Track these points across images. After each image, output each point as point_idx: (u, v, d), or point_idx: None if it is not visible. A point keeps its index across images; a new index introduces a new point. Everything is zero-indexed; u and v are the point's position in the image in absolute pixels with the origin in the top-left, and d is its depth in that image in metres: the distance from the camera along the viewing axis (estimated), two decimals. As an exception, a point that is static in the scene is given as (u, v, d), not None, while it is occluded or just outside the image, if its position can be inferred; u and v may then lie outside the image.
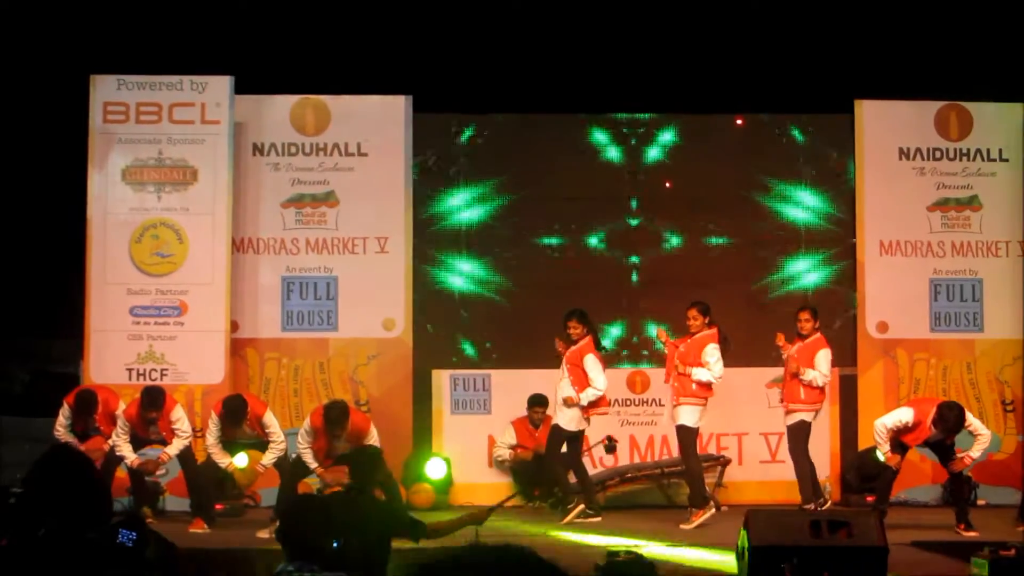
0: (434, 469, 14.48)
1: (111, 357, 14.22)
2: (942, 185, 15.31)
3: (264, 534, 11.42)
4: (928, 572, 10.22)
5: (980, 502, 13.26)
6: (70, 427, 12.70)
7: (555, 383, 13.27)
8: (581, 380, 12.89)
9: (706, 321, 12.91)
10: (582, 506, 12.93)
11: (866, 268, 15.17)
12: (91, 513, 5.90)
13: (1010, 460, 14.62)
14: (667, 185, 15.90)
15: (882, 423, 12.62)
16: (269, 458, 12.42)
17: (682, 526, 12.51)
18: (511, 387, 14.91)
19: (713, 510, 12.75)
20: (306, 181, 15.07)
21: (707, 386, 12.78)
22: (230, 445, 12.66)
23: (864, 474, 13.82)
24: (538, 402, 14.27)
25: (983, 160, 15.34)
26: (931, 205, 15.25)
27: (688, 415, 12.77)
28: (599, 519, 12.85)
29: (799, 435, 13.01)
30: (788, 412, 13.10)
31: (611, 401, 14.06)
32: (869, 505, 13.26)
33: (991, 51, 14.97)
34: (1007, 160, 15.31)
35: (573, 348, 13.00)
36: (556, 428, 13.12)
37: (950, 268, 15.27)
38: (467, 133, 15.88)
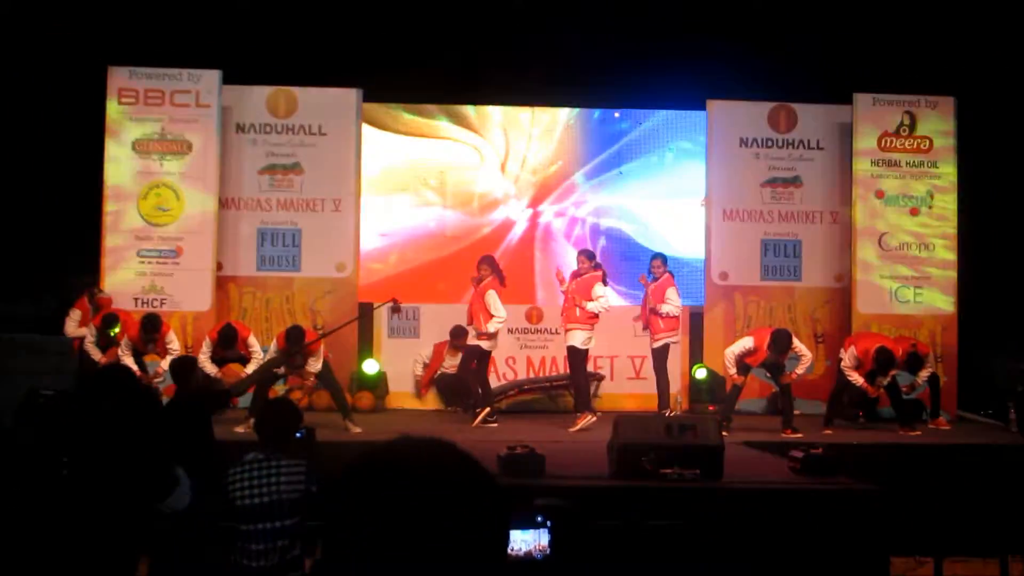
0: (369, 367, 15.29)
1: (122, 288, 14.75)
2: (772, 167, 16.09)
3: (241, 429, 11.95)
4: (756, 465, 10.41)
5: (796, 412, 13.50)
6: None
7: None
8: (486, 312, 13.45)
9: (591, 264, 13.55)
10: (487, 410, 13.40)
11: (712, 231, 15.99)
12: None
13: (819, 380, 15.29)
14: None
15: (730, 351, 13.60)
16: (252, 369, 13.03)
17: (569, 429, 13.05)
18: (436, 317, 15.67)
19: (593, 416, 13.19)
20: (278, 154, 15.64)
21: (594, 315, 13.33)
22: (219, 360, 13.21)
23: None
24: (456, 335, 14.92)
25: (805, 148, 16.13)
26: (763, 183, 16.08)
27: (577, 338, 13.40)
28: (496, 424, 13.27)
29: (663, 355, 13.72)
30: (654, 339, 13.73)
31: (512, 329, 15.27)
32: (712, 413, 14.08)
33: (814, 62, 15.70)
34: (823, 149, 16.17)
35: (479, 286, 13.60)
36: (471, 348, 13.75)
37: (777, 231, 16.05)
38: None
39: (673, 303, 13.76)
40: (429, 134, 16.74)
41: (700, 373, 15.56)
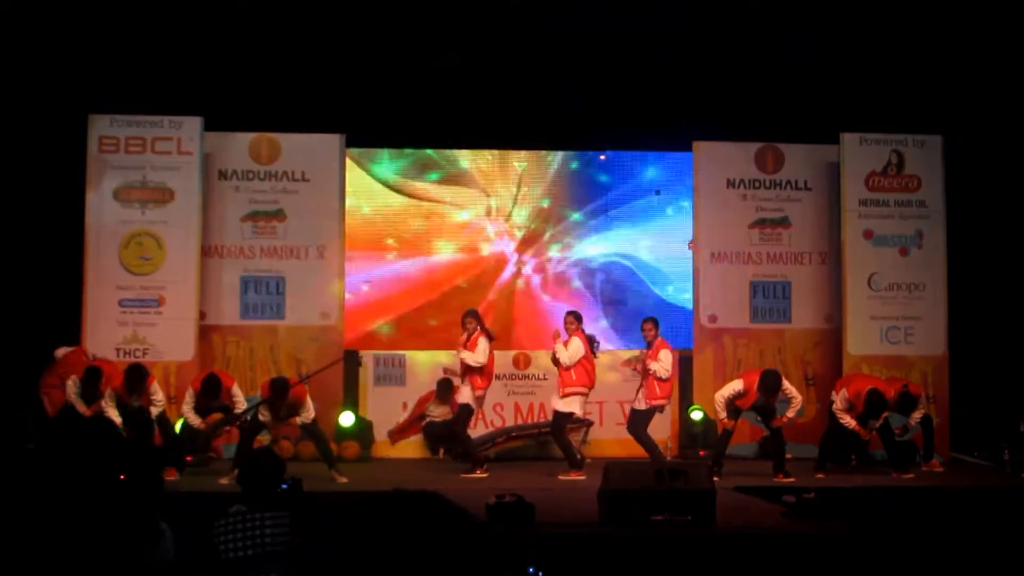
0: (345, 419, 15.10)
1: (104, 339, 14.68)
2: (760, 208, 16.07)
3: (225, 480, 12.10)
4: (748, 511, 10.36)
5: (788, 456, 13.52)
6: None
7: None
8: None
9: (578, 326, 13.55)
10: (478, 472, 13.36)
11: (700, 273, 15.91)
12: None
13: (811, 423, 15.18)
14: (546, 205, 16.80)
15: (720, 395, 13.52)
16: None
17: (559, 476, 13.07)
18: (422, 365, 15.65)
19: (584, 476, 12.87)
20: (261, 200, 15.63)
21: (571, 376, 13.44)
22: (202, 410, 13.22)
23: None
24: (444, 389, 15.10)
25: (792, 189, 16.12)
26: (751, 224, 16.05)
27: (565, 403, 13.51)
28: (487, 475, 13.18)
29: (646, 417, 13.48)
30: (648, 402, 13.37)
31: (499, 375, 14.94)
32: (702, 459, 13.99)
33: (801, 103, 15.96)
34: (811, 189, 16.14)
35: (469, 340, 13.48)
36: (464, 407, 13.64)
37: (766, 273, 15.98)
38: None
39: (664, 364, 13.45)
40: (414, 179, 16.82)
41: (696, 415, 15.47)
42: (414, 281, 16.71)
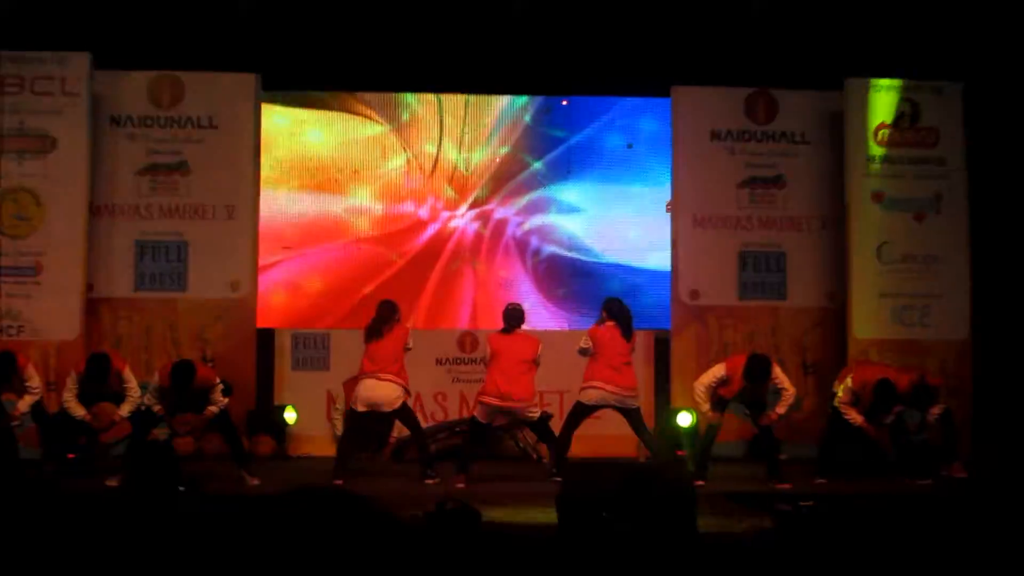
0: (292, 416, 15.24)
1: None
2: (750, 165, 16.00)
3: (113, 482, 11.84)
4: (736, 520, 10.12)
5: (782, 457, 13.55)
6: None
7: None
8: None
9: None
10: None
11: (680, 240, 15.84)
12: None
13: (810, 419, 15.18)
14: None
15: (700, 383, 13.31)
16: (127, 409, 12.90)
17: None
18: (350, 345, 14.91)
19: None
20: (160, 151, 15.51)
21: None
22: (87, 397, 12.98)
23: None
24: None
25: (788, 142, 16.09)
26: (740, 183, 15.98)
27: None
28: (436, 480, 12.89)
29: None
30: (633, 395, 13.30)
31: (441, 359, 15.37)
32: (681, 459, 14.10)
33: (797, 41, 15.78)
34: (809, 143, 16.11)
35: (393, 330, 13.26)
36: (407, 409, 13.40)
37: (757, 241, 15.96)
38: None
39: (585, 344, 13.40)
40: (342, 128, 16.80)
41: (684, 420, 15.01)
42: (341, 246, 16.67)
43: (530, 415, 13.31)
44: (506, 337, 13.26)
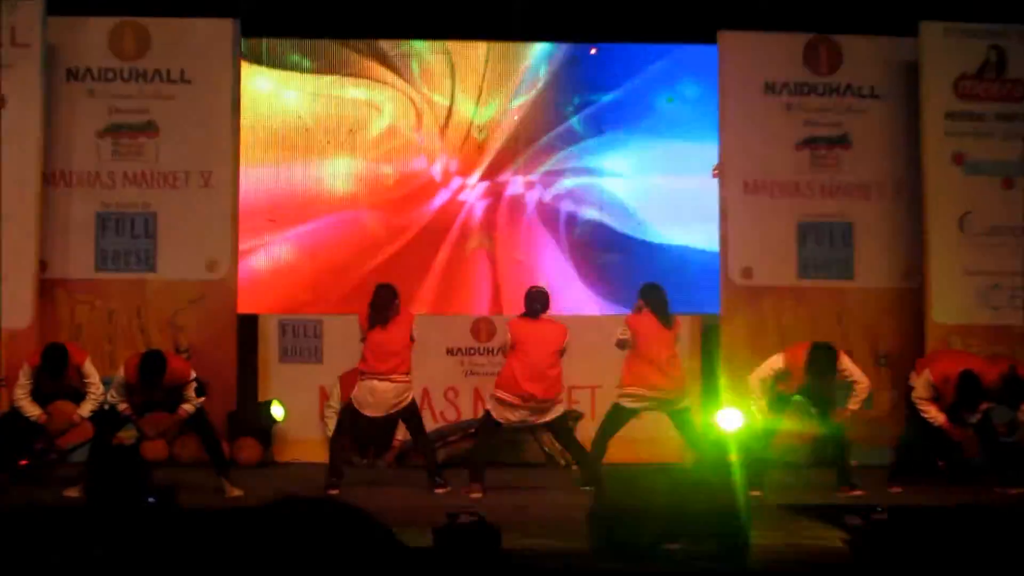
0: (276, 412, 15.19)
1: None
2: (810, 123, 15.98)
3: (73, 492, 11.86)
4: (798, 536, 10.36)
5: (852, 462, 13.36)
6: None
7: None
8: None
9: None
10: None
11: (729, 210, 15.81)
12: None
13: (884, 417, 15.16)
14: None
15: (756, 376, 13.16)
16: (88, 408, 12.75)
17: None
18: (345, 333, 14.88)
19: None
20: (124, 109, 15.51)
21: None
22: (42, 395, 12.87)
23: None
24: None
25: (855, 96, 16.06)
26: (799, 144, 15.95)
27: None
28: (447, 490, 12.87)
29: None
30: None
31: (453, 350, 15.32)
32: (733, 466, 13.29)
33: None
34: (878, 97, 16.07)
35: (395, 318, 13.20)
36: (412, 408, 13.36)
37: (819, 211, 15.96)
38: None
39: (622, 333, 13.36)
40: (337, 82, 16.72)
41: (731, 420, 14.62)
42: (337, 218, 16.60)
43: (550, 414, 13.18)
44: (529, 324, 13.12)
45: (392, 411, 13.10)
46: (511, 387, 12.96)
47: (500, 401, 13.02)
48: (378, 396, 12.93)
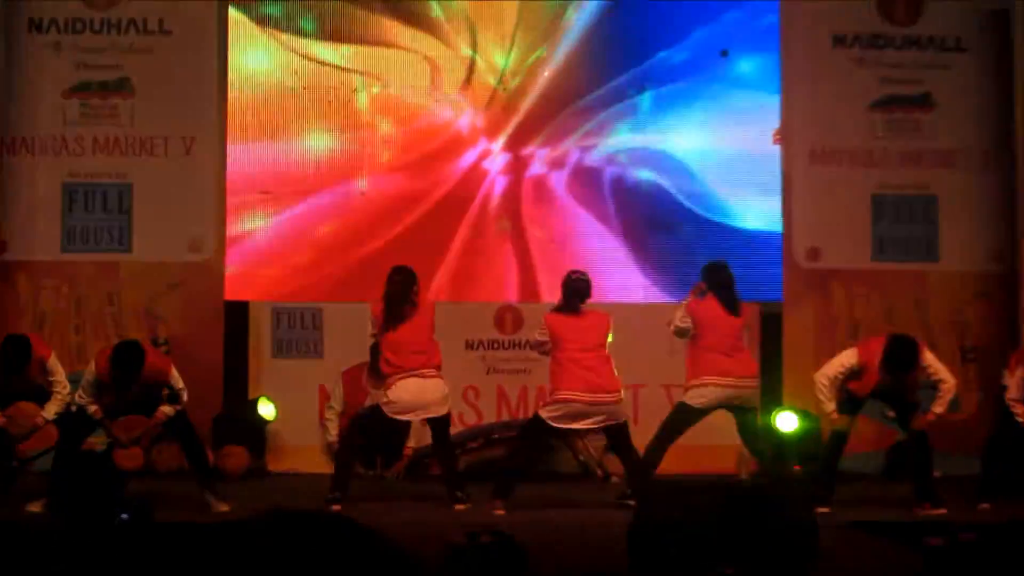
0: (265, 410, 15.31)
1: None
2: (886, 80, 15.96)
3: (35, 507, 12.00)
4: (871, 559, 10.55)
5: (935, 474, 13.35)
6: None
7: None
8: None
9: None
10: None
11: (793, 182, 15.83)
12: None
13: (970, 421, 15.18)
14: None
15: (823, 374, 13.07)
16: (53, 410, 12.78)
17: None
18: (348, 323, 15.29)
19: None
20: (94, 65, 15.60)
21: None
22: (2, 394, 12.98)
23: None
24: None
25: (937, 50, 16.07)
26: (873, 105, 15.95)
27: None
28: (467, 506, 12.90)
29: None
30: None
31: (473, 343, 15.46)
32: (799, 477, 14.02)
33: None
34: (964, 51, 16.05)
35: (419, 307, 13.33)
36: (442, 420, 13.47)
37: (897, 182, 15.98)
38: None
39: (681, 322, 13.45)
40: (340, 34, 16.50)
41: (786, 423, 14.97)
42: (339, 192, 16.42)
43: (622, 416, 13.22)
44: (570, 318, 13.10)
45: (431, 415, 13.13)
46: (578, 385, 12.99)
47: (566, 403, 12.96)
48: (412, 395, 13.03)
